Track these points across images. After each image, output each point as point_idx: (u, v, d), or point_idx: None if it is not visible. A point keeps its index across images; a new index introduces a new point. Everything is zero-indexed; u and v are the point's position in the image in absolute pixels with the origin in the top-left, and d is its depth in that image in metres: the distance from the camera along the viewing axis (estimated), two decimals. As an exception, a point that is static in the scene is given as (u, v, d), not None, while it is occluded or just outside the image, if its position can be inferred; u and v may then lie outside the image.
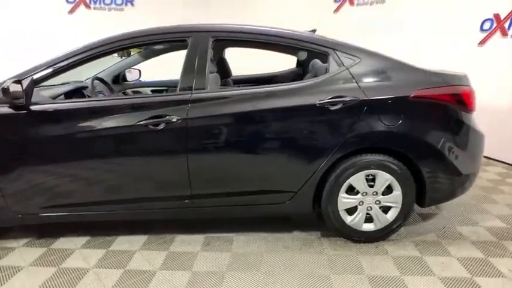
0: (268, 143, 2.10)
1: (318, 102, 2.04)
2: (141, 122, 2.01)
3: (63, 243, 2.30)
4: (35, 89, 2.03)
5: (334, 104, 2.04)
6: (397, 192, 2.17)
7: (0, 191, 2.07)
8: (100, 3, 5.75)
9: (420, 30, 4.60)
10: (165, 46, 2.97)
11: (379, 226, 2.23)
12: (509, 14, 3.68)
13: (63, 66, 2.09)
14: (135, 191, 2.14)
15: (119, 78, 3.40)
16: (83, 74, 3.08)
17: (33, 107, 2.03)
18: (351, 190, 2.18)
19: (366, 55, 2.18)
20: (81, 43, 2.20)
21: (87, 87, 2.74)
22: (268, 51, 3.08)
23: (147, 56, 3.16)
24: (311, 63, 2.96)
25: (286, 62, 3.78)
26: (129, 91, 3.40)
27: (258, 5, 6.09)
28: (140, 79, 3.66)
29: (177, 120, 2.01)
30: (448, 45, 4.28)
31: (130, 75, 3.56)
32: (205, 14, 6.12)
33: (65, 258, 2.13)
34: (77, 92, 2.60)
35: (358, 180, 2.15)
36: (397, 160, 2.13)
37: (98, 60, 2.24)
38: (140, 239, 2.33)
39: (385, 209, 2.22)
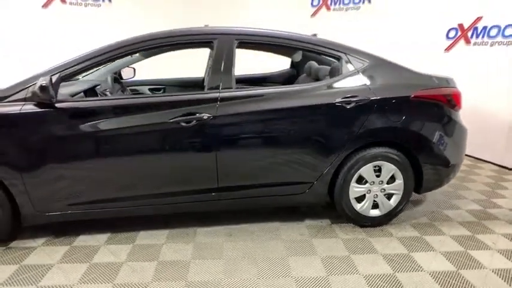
0: (290, 138, 2.28)
1: (335, 101, 2.26)
2: (174, 119, 2.09)
3: (84, 240, 2.31)
4: None
5: (348, 103, 2.28)
6: (399, 181, 2.46)
7: (26, 190, 2.04)
8: (76, -3, 5.54)
9: (392, 35, 5.04)
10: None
11: (384, 211, 2.51)
12: (471, 24, 4.19)
13: (89, 65, 2.11)
14: (164, 185, 2.22)
15: (121, 76, 3.40)
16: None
17: (61, 105, 2.03)
18: (360, 180, 2.44)
19: (373, 59, 2.44)
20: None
21: (98, 85, 2.72)
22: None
23: (146, 55, 3.19)
24: (308, 64, 3.20)
25: (277, 63, 4.01)
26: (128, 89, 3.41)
27: (237, 7, 6.21)
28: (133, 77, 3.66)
29: (208, 117, 2.12)
30: (417, 50, 4.74)
31: (125, 74, 3.56)
32: (183, 11, 6.15)
33: (93, 255, 2.15)
34: (91, 90, 2.59)
35: (367, 171, 2.40)
36: (399, 152, 2.42)
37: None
38: (162, 233, 2.40)
39: (389, 196, 2.50)
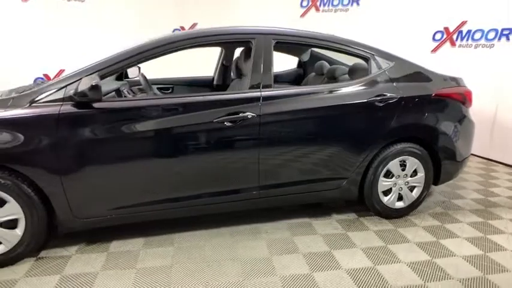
0: (327, 135, 2.36)
1: (369, 99, 2.36)
2: (219, 119, 2.08)
3: (120, 246, 2.22)
4: None
5: (380, 101, 2.40)
6: (421, 174, 2.63)
7: (65, 195, 1.94)
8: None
9: (380, 36, 5.28)
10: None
11: (407, 203, 2.67)
12: (457, 27, 4.52)
13: (130, 63, 2.04)
14: (207, 185, 2.20)
15: (122, 75, 3.28)
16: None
17: (102, 104, 1.94)
18: (387, 174, 2.57)
19: (397, 59, 2.59)
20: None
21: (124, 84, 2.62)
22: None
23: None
24: (319, 64, 3.31)
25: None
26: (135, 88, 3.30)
27: (228, 6, 6.19)
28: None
29: (252, 116, 2.13)
30: (404, 51, 5.00)
31: (131, 73, 3.45)
32: (174, 12, 6.04)
33: (136, 259, 2.08)
34: (117, 89, 2.49)
35: (394, 165, 2.54)
36: (421, 147, 2.58)
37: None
38: (197, 234, 2.37)
39: (411, 189, 2.66)
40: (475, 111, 4.50)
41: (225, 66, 3.53)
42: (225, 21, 6.08)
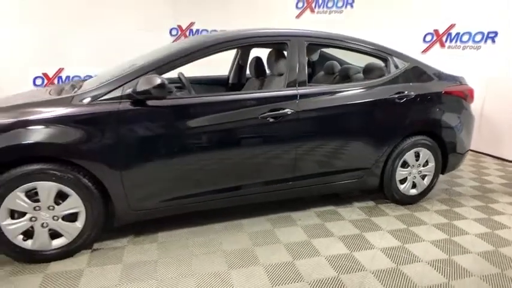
0: (355, 129, 2.59)
1: (391, 96, 2.62)
2: (263, 115, 2.26)
3: (168, 236, 2.34)
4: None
5: (400, 98, 2.65)
6: (432, 163, 2.92)
7: (123, 189, 2.04)
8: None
9: (372, 38, 5.60)
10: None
11: (420, 190, 2.95)
12: (446, 30, 4.90)
13: (183, 61, 2.17)
14: (251, 177, 2.37)
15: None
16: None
17: (158, 102, 2.06)
18: (403, 165, 2.83)
19: (411, 60, 2.86)
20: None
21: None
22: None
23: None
24: (329, 64, 3.54)
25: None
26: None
27: (223, 7, 6.30)
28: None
29: (291, 112, 2.32)
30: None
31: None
32: (173, 10, 6.09)
33: (186, 247, 2.22)
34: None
35: (410, 156, 2.81)
36: (432, 139, 2.86)
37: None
38: (243, 222, 2.53)
39: (423, 177, 2.94)
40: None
41: (240, 66, 3.68)
42: (222, 21, 6.24)
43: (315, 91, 2.47)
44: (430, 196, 3.14)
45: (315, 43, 2.58)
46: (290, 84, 2.41)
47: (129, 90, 2.00)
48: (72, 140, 1.90)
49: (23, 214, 1.91)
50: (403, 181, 2.88)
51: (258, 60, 3.14)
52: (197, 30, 6.34)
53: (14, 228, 1.90)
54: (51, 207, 1.94)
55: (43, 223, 1.95)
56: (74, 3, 5.27)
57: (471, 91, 3.04)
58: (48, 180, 1.89)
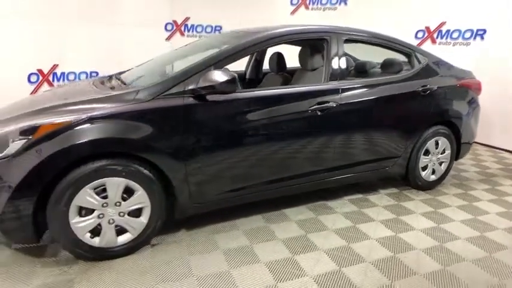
0: (389, 120, 2.78)
1: (418, 89, 2.81)
2: (312, 108, 2.36)
3: (221, 228, 2.39)
4: None
5: (423, 91, 2.86)
6: (448, 151, 3.17)
7: (187, 181, 2.07)
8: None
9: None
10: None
11: (438, 176, 3.19)
12: (437, 27, 5.23)
13: (237, 57, 2.23)
14: (301, 167, 2.47)
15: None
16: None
17: (220, 97, 2.10)
18: (425, 153, 3.05)
19: (429, 55, 3.07)
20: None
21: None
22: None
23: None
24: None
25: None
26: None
27: (220, 2, 6.29)
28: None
29: (336, 105, 2.45)
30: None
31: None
32: (171, 7, 6.01)
33: (271, 233, 2.29)
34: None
35: (431, 144, 3.04)
36: (449, 129, 3.11)
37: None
38: (292, 210, 2.63)
39: (440, 164, 3.19)
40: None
41: (257, 61, 3.75)
42: (217, 16, 6.24)
43: (354, 85, 2.60)
44: (443, 182, 3.40)
45: (351, 39, 2.71)
46: (332, 78, 2.52)
47: (192, 85, 2.02)
48: (140, 135, 1.90)
49: (91, 211, 1.89)
50: (424, 168, 3.10)
51: (279, 55, 3.22)
52: (192, 26, 6.30)
53: (83, 226, 1.88)
54: (118, 204, 1.94)
55: (110, 220, 1.94)
56: (68, -3, 5.07)
57: (479, 84, 3.32)
58: (117, 176, 1.89)
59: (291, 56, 4.16)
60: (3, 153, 1.76)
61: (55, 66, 5.10)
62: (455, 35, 5.08)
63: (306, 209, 2.72)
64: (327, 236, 2.34)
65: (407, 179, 3.10)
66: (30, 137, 1.75)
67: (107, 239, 1.96)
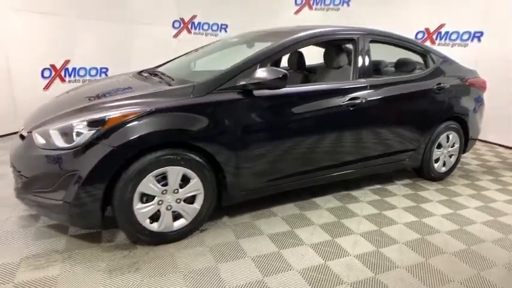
0: (410, 115, 3.00)
1: (434, 87, 3.05)
2: (345, 103, 2.55)
3: (278, 211, 2.56)
4: None
5: (438, 88, 3.10)
6: (457, 145, 3.43)
7: (237, 170, 2.22)
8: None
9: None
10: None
11: (448, 168, 3.45)
12: (436, 28, 5.52)
13: (279, 56, 2.40)
14: (333, 158, 2.66)
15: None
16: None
17: (267, 92, 2.26)
18: (438, 146, 3.30)
19: (442, 55, 3.31)
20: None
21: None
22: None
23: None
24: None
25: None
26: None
27: (227, 1, 6.40)
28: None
29: (365, 101, 2.65)
30: (389, 47, 5.92)
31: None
32: (176, 3, 6.08)
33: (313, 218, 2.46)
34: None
35: (443, 138, 3.28)
36: (459, 124, 3.37)
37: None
38: (321, 199, 2.82)
39: (450, 156, 3.44)
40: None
41: (276, 59, 3.91)
42: (223, 14, 6.36)
43: (379, 82, 2.81)
44: (451, 173, 3.66)
45: (375, 40, 2.91)
46: (360, 76, 2.72)
47: (243, 81, 2.18)
48: (198, 127, 2.05)
49: (152, 198, 2.03)
50: (436, 160, 3.35)
51: (299, 54, 3.40)
52: (199, 23, 6.40)
53: (144, 212, 2.01)
54: (175, 191, 2.08)
55: (168, 206, 2.08)
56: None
57: (485, 83, 3.59)
58: (177, 164, 2.03)
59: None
60: (72, 144, 1.87)
61: (67, 62, 5.13)
62: (453, 36, 5.38)
63: (333, 198, 2.91)
64: (359, 222, 2.54)
65: (421, 171, 3.34)
66: (99, 128, 1.87)
67: (164, 224, 2.09)
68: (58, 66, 5.02)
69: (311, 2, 6.55)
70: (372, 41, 2.87)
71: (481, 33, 5.09)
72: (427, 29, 5.64)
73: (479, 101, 3.51)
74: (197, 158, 2.08)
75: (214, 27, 6.51)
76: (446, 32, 5.44)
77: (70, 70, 5.20)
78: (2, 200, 2.62)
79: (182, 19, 6.29)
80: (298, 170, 2.53)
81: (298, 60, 3.36)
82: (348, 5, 6.37)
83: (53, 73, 4.99)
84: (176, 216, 2.15)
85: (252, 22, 6.33)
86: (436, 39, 5.57)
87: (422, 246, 2.25)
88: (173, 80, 2.39)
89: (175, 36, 6.28)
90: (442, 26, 5.48)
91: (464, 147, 3.54)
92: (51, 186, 1.91)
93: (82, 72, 5.37)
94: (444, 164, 3.42)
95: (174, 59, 3.31)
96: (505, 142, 5.02)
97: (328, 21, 6.42)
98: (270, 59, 2.34)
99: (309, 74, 3.38)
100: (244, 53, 3.00)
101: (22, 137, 2.19)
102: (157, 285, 1.78)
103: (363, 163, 2.84)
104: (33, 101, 4.69)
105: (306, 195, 2.89)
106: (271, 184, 2.46)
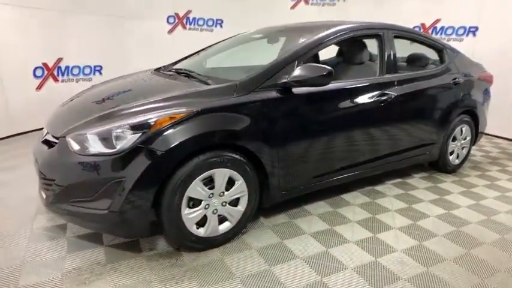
0: (432, 109, 3.05)
1: (451, 81, 3.12)
2: (377, 99, 2.56)
3: (309, 210, 2.53)
4: None
5: (454, 83, 3.17)
6: (469, 137, 3.53)
7: (279, 171, 2.18)
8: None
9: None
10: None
11: (461, 159, 3.55)
12: (432, 23, 5.65)
13: (316, 51, 2.38)
14: (365, 154, 2.68)
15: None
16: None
17: (306, 89, 2.22)
18: (453, 140, 3.38)
19: (456, 51, 3.39)
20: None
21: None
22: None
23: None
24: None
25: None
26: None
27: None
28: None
29: (394, 96, 2.67)
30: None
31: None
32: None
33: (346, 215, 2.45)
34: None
35: (458, 131, 3.37)
36: (470, 117, 3.46)
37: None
38: (352, 195, 2.82)
39: (462, 149, 3.54)
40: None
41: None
42: (218, 9, 6.23)
43: (405, 77, 2.83)
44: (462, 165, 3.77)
45: (398, 35, 2.92)
46: (387, 72, 2.73)
47: (283, 79, 2.12)
48: (241, 126, 1.99)
49: (199, 202, 1.95)
50: (450, 153, 3.44)
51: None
52: (194, 19, 6.25)
53: (192, 217, 1.94)
54: (221, 194, 2.01)
55: (214, 209, 2.01)
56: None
57: (492, 77, 3.71)
58: (224, 167, 1.96)
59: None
60: (115, 149, 1.76)
61: (59, 59, 4.86)
62: (449, 31, 5.52)
63: (360, 194, 2.93)
64: (393, 216, 2.56)
65: (437, 164, 3.42)
66: (146, 131, 1.77)
67: (211, 228, 2.02)
68: (50, 65, 4.76)
69: (307, -3, 6.54)
70: (395, 36, 2.89)
71: (476, 28, 5.25)
72: (422, 24, 5.75)
73: (487, 94, 3.63)
74: (242, 159, 2.02)
75: (210, 23, 6.37)
76: (442, 27, 5.58)
77: (63, 69, 4.94)
78: (15, 210, 2.44)
79: (177, 14, 6.11)
80: (335, 167, 2.52)
81: (313, 56, 3.33)
82: (344, 0, 6.41)
83: (46, 72, 4.72)
84: (221, 220, 2.08)
85: (247, 17, 6.26)
86: (432, 33, 5.70)
87: (460, 238, 2.30)
88: (208, 78, 2.30)
89: (170, 31, 6.10)
90: (437, 21, 5.61)
91: (474, 140, 3.65)
92: (92, 194, 1.80)
93: (75, 71, 5.13)
94: (458, 157, 3.52)
95: (190, 55, 3.20)
96: (500, 133, 5.23)
97: (324, 16, 6.44)
98: (307, 54, 2.30)
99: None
100: (268, 49, 2.97)
101: (47, 143, 2.05)
102: (218, 292, 1.72)
103: (393, 157, 2.88)
104: (26, 102, 4.45)
105: (332, 192, 2.89)
106: (311, 182, 2.44)
